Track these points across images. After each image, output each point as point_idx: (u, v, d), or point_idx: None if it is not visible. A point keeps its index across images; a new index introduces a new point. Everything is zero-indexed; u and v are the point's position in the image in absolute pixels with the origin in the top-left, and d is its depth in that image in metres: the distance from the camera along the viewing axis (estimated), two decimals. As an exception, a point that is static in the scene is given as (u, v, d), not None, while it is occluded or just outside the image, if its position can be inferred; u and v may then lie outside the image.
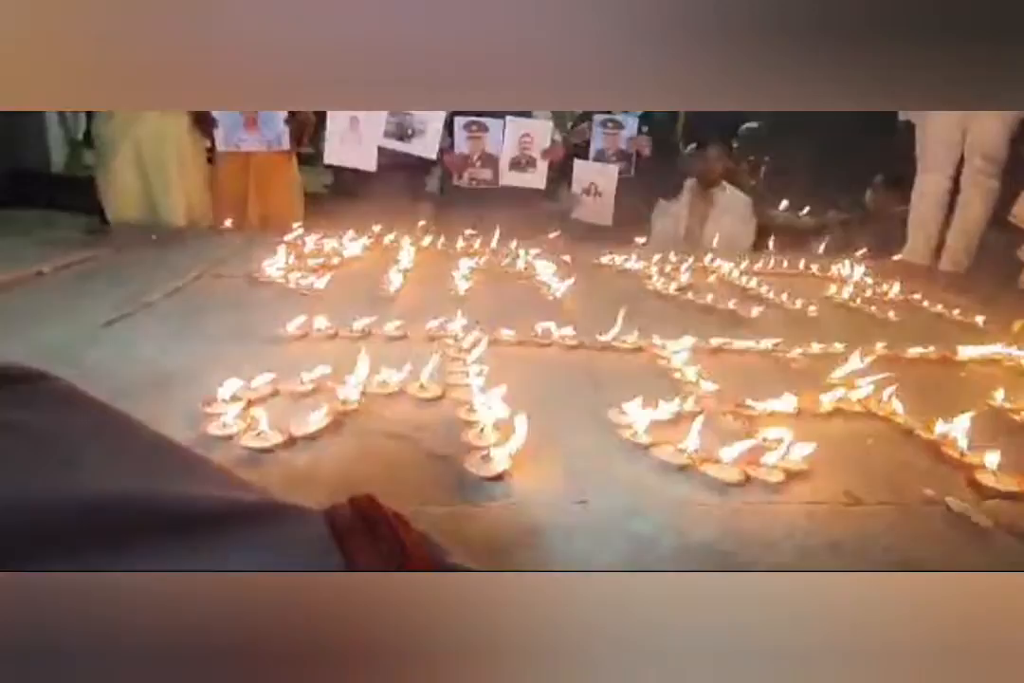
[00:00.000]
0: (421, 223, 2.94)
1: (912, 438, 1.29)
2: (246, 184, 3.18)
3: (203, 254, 2.53)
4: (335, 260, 2.51)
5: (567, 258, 2.70)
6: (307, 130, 3.23)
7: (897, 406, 1.37)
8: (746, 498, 1.06)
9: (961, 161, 2.75)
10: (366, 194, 3.21)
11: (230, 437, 1.09)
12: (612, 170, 3.28)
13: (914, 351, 1.77)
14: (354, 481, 1.03)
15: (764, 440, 1.18)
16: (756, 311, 2.08)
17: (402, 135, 3.07)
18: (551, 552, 0.90)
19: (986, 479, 1.13)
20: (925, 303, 2.35)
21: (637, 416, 1.24)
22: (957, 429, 1.25)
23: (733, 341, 1.76)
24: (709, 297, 2.23)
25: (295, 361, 1.44)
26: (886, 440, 1.30)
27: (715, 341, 1.75)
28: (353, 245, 2.69)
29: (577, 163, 3.33)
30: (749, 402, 1.35)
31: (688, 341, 1.69)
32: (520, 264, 2.59)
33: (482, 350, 1.53)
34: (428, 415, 1.27)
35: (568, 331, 1.75)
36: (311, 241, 2.71)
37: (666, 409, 1.29)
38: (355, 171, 3.17)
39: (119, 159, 3.05)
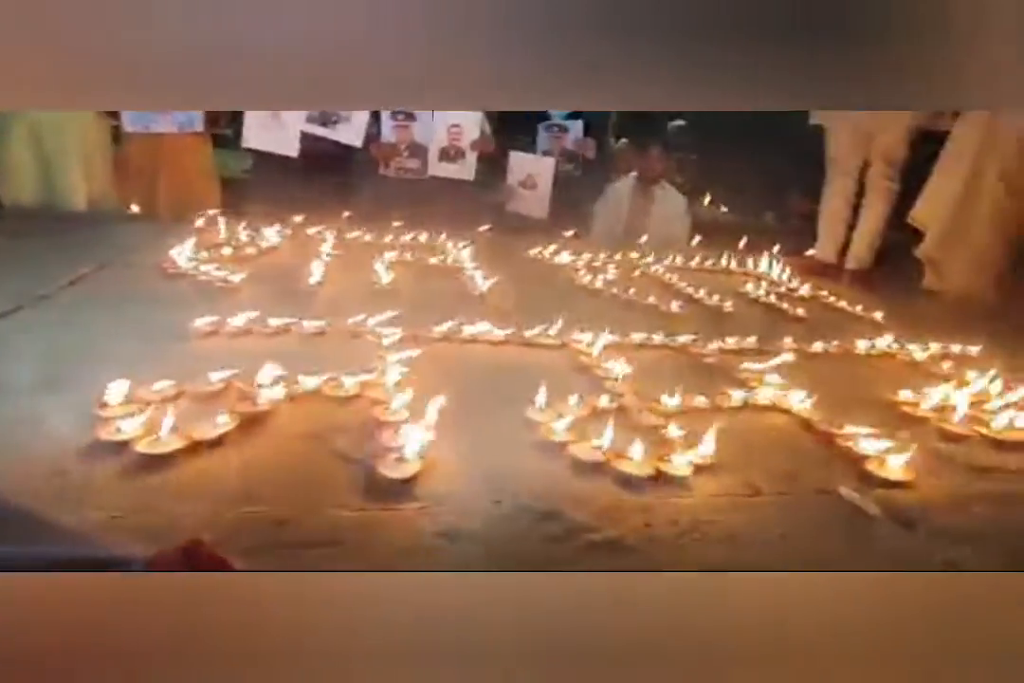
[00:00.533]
0: (346, 214, 2.85)
1: (811, 430, 1.36)
2: (156, 166, 2.99)
3: (106, 242, 2.37)
4: (251, 250, 2.41)
5: (497, 252, 2.69)
6: (223, 112, 3.06)
7: (798, 400, 1.44)
8: (657, 493, 1.09)
9: (867, 165, 2.91)
10: (288, 181, 3.08)
11: (124, 443, 1.03)
12: (548, 162, 3.28)
13: (817, 346, 1.87)
14: (261, 486, 0.99)
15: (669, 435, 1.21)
16: (676, 306, 2.14)
17: (325, 121, 2.97)
18: (464, 553, 0.90)
19: (875, 469, 1.21)
20: (831, 299, 2.49)
21: (548, 413, 1.26)
22: (852, 421, 1.33)
23: (653, 336, 1.80)
24: (631, 291, 2.28)
25: (205, 359, 1.37)
26: (789, 433, 1.37)
27: (636, 337, 1.79)
28: (272, 234, 2.58)
29: (513, 155, 3.31)
30: (663, 398, 1.38)
31: (608, 337, 1.72)
32: (448, 258, 2.56)
33: (402, 347, 1.50)
34: (343, 415, 1.24)
35: (490, 327, 1.74)
36: (226, 229, 2.59)
37: (576, 406, 1.30)
38: (277, 156, 3.04)
39: (13, 138, 2.80)
